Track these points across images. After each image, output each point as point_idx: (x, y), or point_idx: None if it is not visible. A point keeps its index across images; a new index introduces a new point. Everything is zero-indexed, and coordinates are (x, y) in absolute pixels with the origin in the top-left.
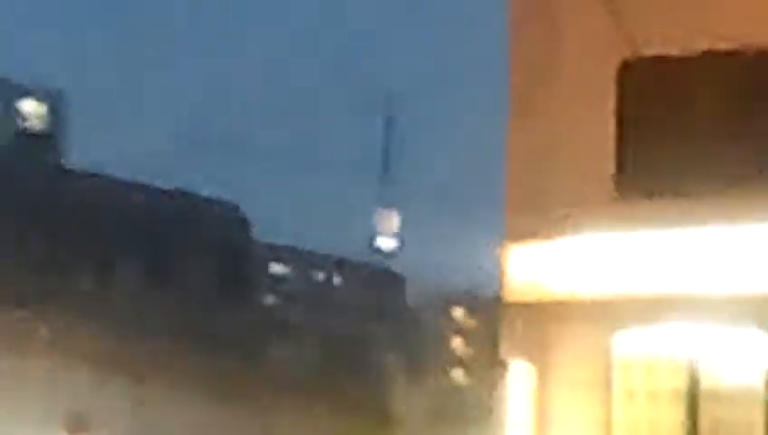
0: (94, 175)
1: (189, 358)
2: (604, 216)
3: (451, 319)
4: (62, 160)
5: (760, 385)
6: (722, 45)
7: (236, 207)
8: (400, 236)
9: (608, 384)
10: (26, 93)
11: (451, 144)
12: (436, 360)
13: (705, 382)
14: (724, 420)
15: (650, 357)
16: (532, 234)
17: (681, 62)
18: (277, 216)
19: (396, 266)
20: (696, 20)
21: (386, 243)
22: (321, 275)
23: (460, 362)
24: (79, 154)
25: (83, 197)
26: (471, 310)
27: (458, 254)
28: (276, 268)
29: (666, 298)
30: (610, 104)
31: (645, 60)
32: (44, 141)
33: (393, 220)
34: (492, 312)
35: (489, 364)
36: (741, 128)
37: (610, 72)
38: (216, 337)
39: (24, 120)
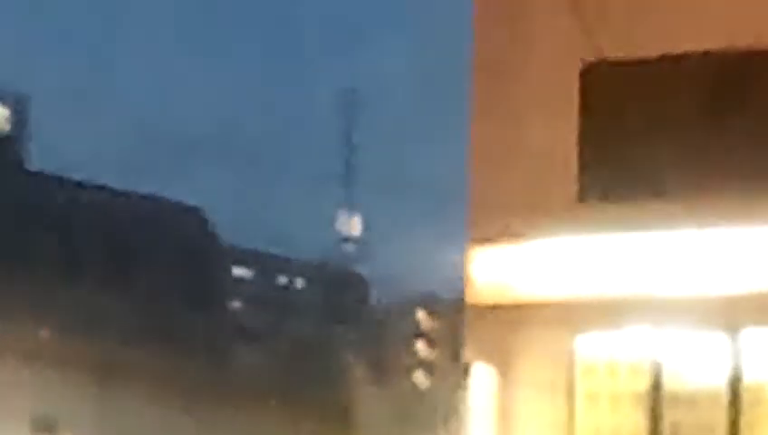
0: (57, 177)
1: (152, 361)
2: (567, 218)
3: (414, 322)
4: (25, 163)
5: (722, 388)
6: (685, 48)
7: (199, 211)
8: (363, 238)
9: (570, 387)
10: None
11: (415, 146)
12: (400, 362)
13: (668, 386)
14: (686, 423)
15: (613, 360)
16: (495, 236)
17: (644, 64)
18: (240, 219)
19: (359, 269)
20: (658, 23)
21: (349, 246)
22: (283, 279)
23: (423, 365)
24: (42, 157)
25: (46, 199)
26: (434, 313)
27: (422, 256)
28: (239, 272)
29: (628, 301)
30: (573, 107)
31: (608, 63)
32: (7, 144)
33: (356, 223)
34: (455, 315)
35: (452, 367)
36: (704, 131)
37: (574, 74)
38: (179, 340)
39: None
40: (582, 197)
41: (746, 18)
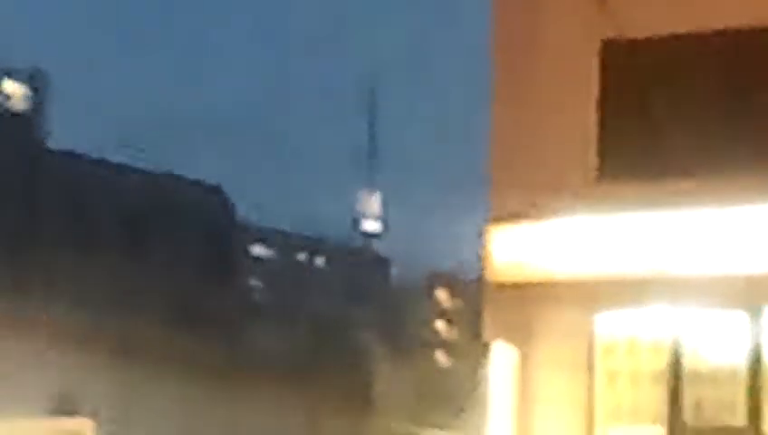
0: (76, 156)
1: (172, 340)
2: (587, 197)
3: (434, 301)
4: (45, 141)
5: (742, 366)
6: (705, 26)
7: (220, 189)
8: (384, 217)
9: (590, 365)
10: (7, 74)
11: (435, 126)
12: (420, 342)
13: (688, 364)
14: (706, 401)
15: (633, 339)
16: (515, 215)
17: (664, 42)
18: (260, 198)
19: (380, 248)
20: (678, 1)
21: (370, 225)
22: (303, 257)
23: (443, 344)
24: (61, 135)
25: (65, 177)
26: (454, 292)
27: (443, 235)
28: (259, 250)
29: (648, 280)
30: (593, 86)
31: (628, 41)
32: (26, 122)
33: (377, 202)
34: (475, 294)
35: (472, 346)
36: (724, 109)
37: (593, 53)
38: (199, 319)
39: (6, 100)
40: (602, 175)
41: None
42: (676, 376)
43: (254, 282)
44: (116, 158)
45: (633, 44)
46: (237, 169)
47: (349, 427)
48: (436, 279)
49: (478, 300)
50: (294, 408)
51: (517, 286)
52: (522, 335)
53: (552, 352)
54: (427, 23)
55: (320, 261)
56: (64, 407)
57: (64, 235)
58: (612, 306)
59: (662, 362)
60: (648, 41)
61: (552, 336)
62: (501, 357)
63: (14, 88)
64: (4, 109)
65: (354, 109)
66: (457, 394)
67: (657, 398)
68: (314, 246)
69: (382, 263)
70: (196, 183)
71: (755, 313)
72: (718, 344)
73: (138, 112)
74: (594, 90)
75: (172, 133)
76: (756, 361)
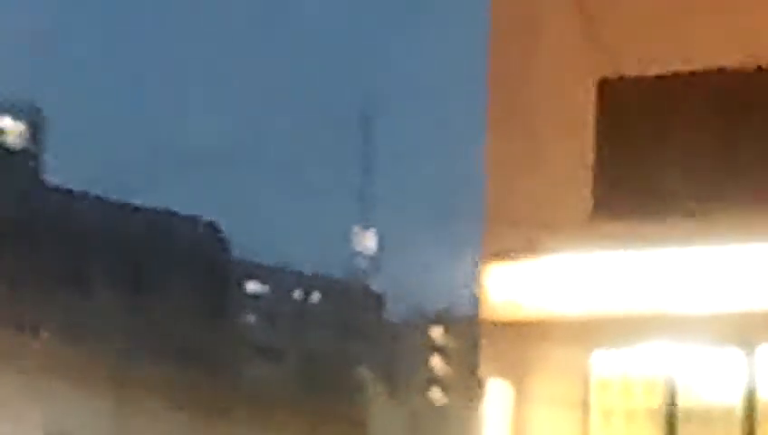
0: (72, 192)
1: (167, 375)
2: (582, 234)
3: (430, 338)
4: (41, 177)
5: (737, 405)
6: (700, 65)
7: (215, 226)
8: (378, 254)
9: (586, 403)
10: (4, 110)
11: (430, 163)
12: (415, 378)
13: (683, 402)
14: None
15: (628, 376)
16: (510, 252)
17: (660, 81)
18: (255, 235)
19: (374, 284)
20: (675, 39)
21: (363, 261)
22: (299, 294)
23: (438, 381)
24: (57, 171)
25: (62, 213)
26: (449, 329)
27: (437, 272)
28: (254, 286)
29: (644, 317)
30: (589, 123)
31: (624, 79)
32: (23, 158)
33: (372, 239)
34: (470, 331)
35: (467, 383)
36: (720, 147)
37: (590, 90)
38: (194, 355)
39: (2, 136)
40: (597, 213)
41: (761, 35)
42: (671, 414)
43: (249, 318)
44: (112, 194)
45: (629, 82)
46: (232, 206)
47: None
48: (431, 316)
49: (473, 337)
50: None
51: (513, 324)
52: (517, 372)
53: (547, 390)
54: (424, 57)
55: (315, 297)
56: None
57: (60, 271)
58: (607, 344)
59: (657, 400)
60: (644, 79)
61: (548, 373)
62: (496, 394)
63: (10, 125)
64: (1, 145)
65: (350, 146)
66: (452, 431)
67: None
68: (309, 283)
69: (377, 299)
70: (192, 219)
71: (750, 351)
72: (713, 382)
73: (134, 149)
74: (590, 127)
75: (168, 170)
76: (751, 399)
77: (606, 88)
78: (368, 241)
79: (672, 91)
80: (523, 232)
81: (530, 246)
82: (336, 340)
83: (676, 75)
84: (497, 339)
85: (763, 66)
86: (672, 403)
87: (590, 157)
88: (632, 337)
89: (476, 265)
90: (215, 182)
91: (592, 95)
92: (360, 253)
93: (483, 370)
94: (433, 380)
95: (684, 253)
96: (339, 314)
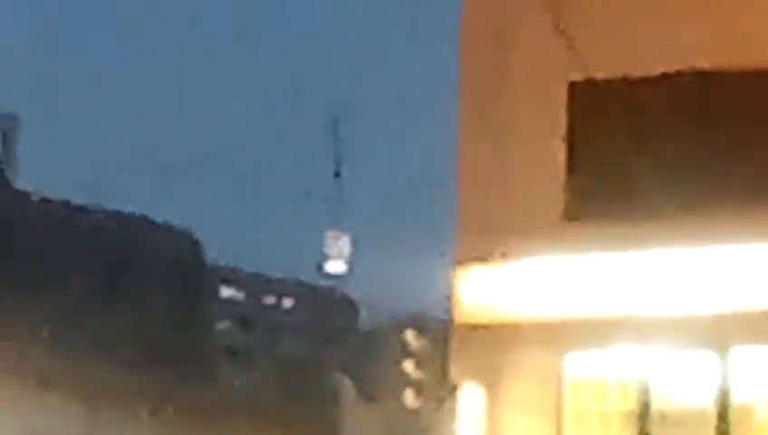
0: (46, 199)
1: (140, 381)
2: (554, 238)
3: (402, 342)
4: (14, 184)
5: (710, 407)
6: (672, 67)
7: (188, 232)
8: (351, 259)
9: (558, 406)
10: None
11: (403, 167)
12: (388, 382)
13: (656, 405)
14: None
15: (601, 379)
16: (482, 256)
17: (631, 84)
18: (228, 240)
19: (348, 290)
20: (644, 42)
21: (336, 266)
22: (272, 299)
23: (411, 385)
24: (30, 177)
25: (35, 220)
26: (422, 333)
27: (410, 277)
28: (228, 292)
29: (616, 320)
30: (560, 126)
31: (594, 82)
32: None
33: (344, 243)
34: (444, 335)
35: (440, 387)
36: (692, 150)
37: (560, 94)
38: (167, 361)
39: None
40: (569, 216)
41: (733, 37)
42: (644, 417)
43: (223, 324)
44: (86, 201)
45: (600, 85)
46: (205, 211)
47: None
48: (404, 320)
49: (446, 341)
50: None
51: (485, 327)
52: (490, 376)
53: (520, 393)
54: (396, 62)
55: (288, 303)
56: None
57: (32, 276)
58: (580, 347)
59: (630, 403)
60: (616, 82)
61: (521, 377)
62: (469, 398)
63: None
64: None
65: (323, 150)
66: None
67: None
68: (283, 288)
69: (350, 305)
70: (166, 226)
71: (723, 353)
72: (686, 385)
73: (106, 155)
74: (562, 131)
75: (141, 176)
76: (724, 401)
77: (577, 91)
78: (341, 246)
79: (643, 93)
80: (496, 236)
81: (502, 250)
82: (310, 345)
83: (646, 78)
84: (470, 343)
85: (735, 68)
86: (645, 406)
87: (562, 161)
88: (605, 340)
89: (449, 269)
90: (189, 188)
91: (563, 99)
92: (332, 258)
93: (455, 373)
94: (406, 384)
95: (655, 256)
96: (313, 320)
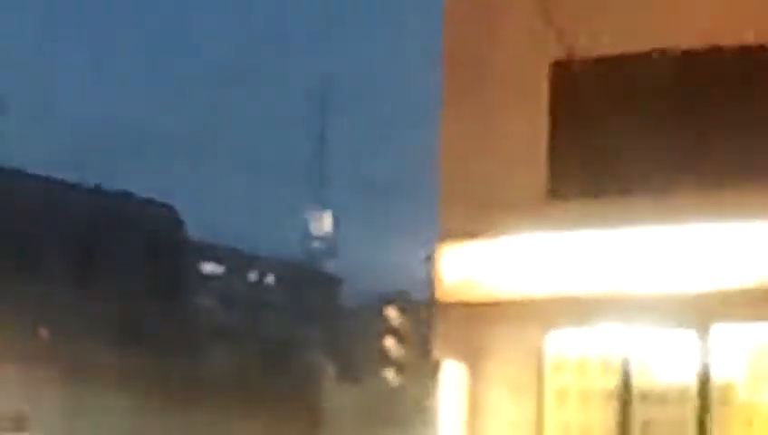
0: (24, 173)
1: (121, 358)
2: (537, 215)
3: (384, 320)
4: None
5: (692, 385)
6: (654, 46)
7: (170, 208)
8: (334, 236)
9: (540, 384)
10: None
11: (386, 144)
12: (370, 360)
13: (638, 383)
14: (655, 420)
15: (583, 357)
16: (465, 234)
17: (614, 61)
18: (210, 216)
19: (331, 267)
20: (628, 20)
21: (320, 244)
22: (254, 276)
23: (393, 363)
24: (10, 153)
25: (14, 195)
26: (404, 310)
27: (392, 254)
28: (209, 268)
29: (598, 298)
30: (543, 104)
31: (577, 60)
32: None
33: (327, 221)
34: (426, 312)
35: (422, 364)
36: (673, 127)
37: (543, 71)
38: (148, 337)
39: None
40: (552, 194)
41: (715, 16)
42: (625, 395)
43: (204, 300)
44: (66, 175)
45: (583, 63)
46: (188, 187)
47: None
48: (386, 298)
49: (428, 319)
50: (244, 427)
51: (467, 305)
52: (472, 354)
53: (501, 371)
54: (379, 39)
55: (270, 279)
56: (15, 425)
57: (11, 252)
58: (562, 325)
59: (612, 381)
60: (598, 61)
61: (502, 355)
62: (451, 375)
63: None
64: None
65: (306, 127)
66: (407, 413)
67: (606, 417)
68: (265, 265)
69: (333, 282)
70: (147, 201)
71: (704, 332)
72: (668, 363)
73: (88, 130)
74: (544, 109)
75: (122, 151)
76: (705, 380)
77: (560, 69)
78: (324, 224)
79: (626, 71)
80: (479, 213)
81: (484, 228)
82: (292, 322)
83: (629, 56)
84: (452, 320)
85: (717, 46)
86: (627, 384)
87: (545, 137)
88: (587, 318)
89: (432, 246)
90: (170, 164)
91: (546, 77)
92: (315, 235)
93: (437, 351)
94: (388, 361)
95: (638, 233)
96: (294, 297)
